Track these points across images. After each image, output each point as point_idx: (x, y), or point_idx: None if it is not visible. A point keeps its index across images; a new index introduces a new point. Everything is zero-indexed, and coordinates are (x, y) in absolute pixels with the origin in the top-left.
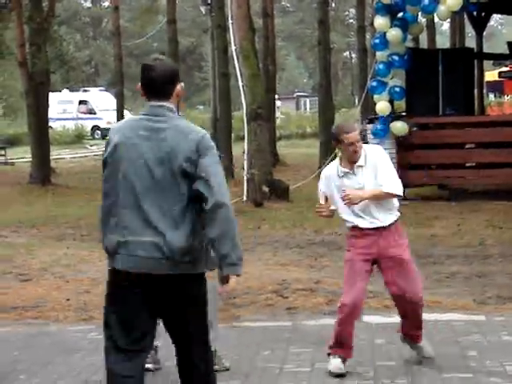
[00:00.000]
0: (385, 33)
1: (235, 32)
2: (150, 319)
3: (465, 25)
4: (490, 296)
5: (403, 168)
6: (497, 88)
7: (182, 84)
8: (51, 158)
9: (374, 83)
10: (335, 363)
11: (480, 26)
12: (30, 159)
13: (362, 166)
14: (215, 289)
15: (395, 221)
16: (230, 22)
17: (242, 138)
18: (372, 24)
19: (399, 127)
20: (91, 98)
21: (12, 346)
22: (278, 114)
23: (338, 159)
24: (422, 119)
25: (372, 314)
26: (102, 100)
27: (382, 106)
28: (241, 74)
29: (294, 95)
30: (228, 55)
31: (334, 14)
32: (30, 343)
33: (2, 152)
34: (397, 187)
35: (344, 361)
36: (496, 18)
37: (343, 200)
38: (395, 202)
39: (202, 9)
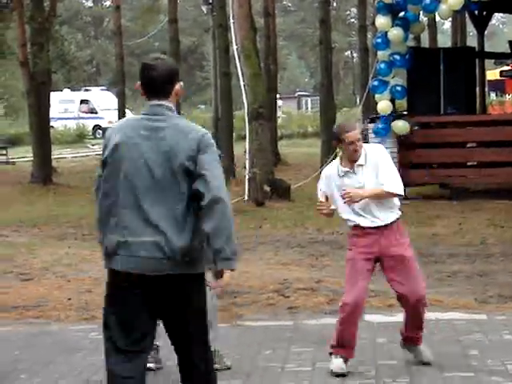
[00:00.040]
0: (386, 32)
1: (237, 31)
2: (150, 320)
3: (466, 24)
4: (492, 295)
5: (404, 167)
6: (498, 87)
7: (182, 83)
8: (52, 157)
9: (376, 82)
10: (337, 363)
11: (481, 24)
12: (32, 159)
13: (362, 165)
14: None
15: (396, 219)
16: (232, 21)
17: (244, 138)
18: (373, 23)
19: (400, 126)
20: (93, 97)
21: (13, 346)
22: (279, 113)
23: (338, 159)
24: (424, 118)
25: (374, 313)
26: (104, 99)
27: (384, 105)
28: (242, 74)
29: (296, 94)
30: (229, 55)
31: (335, 13)
32: (31, 342)
33: (4, 152)
34: (398, 186)
35: (346, 361)
36: (497, 17)
37: (343, 198)
38: (396, 201)
39: (204, 8)
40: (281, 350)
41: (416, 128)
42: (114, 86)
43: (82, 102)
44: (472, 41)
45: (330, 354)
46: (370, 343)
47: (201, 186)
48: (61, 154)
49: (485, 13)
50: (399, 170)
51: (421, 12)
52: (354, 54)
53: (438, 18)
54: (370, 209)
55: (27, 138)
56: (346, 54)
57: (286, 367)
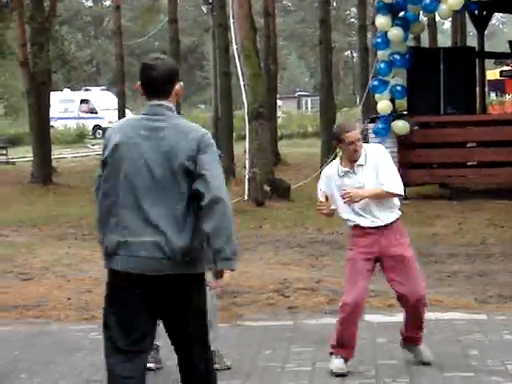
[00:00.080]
0: (386, 32)
1: (236, 31)
2: (150, 320)
3: (466, 24)
4: (492, 295)
5: (404, 167)
6: (498, 87)
7: (182, 83)
8: (52, 157)
9: (376, 82)
10: (337, 363)
11: (481, 24)
12: (32, 159)
13: (362, 165)
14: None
15: (396, 219)
16: (232, 21)
17: (244, 138)
18: (373, 23)
19: (400, 126)
20: (93, 97)
21: (13, 346)
22: (279, 113)
23: (338, 159)
24: (424, 118)
25: (374, 312)
26: (104, 99)
27: (384, 105)
28: (242, 74)
29: (296, 94)
30: (229, 54)
31: (335, 13)
32: (31, 342)
33: (4, 151)
34: (398, 186)
35: (346, 361)
36: (497, 17)
37: (343, 198)
38: (396, 201)
39: (204, 8)
40: (281, 349)
41: (416, 128)
42: (114, 85)
43: (82, 101)
44: (472, 41)
45: (331, 353)
46: (369, 343)
47: (201, 185)
48: (61, 154)
49: (485, 13)
50: (399, 170)
51: (421, 12)
52: (354, 54)
53: (437, 18)
54: (370, 209)
55: (27, 138)
56: (346, 53)
57: (285, 367)
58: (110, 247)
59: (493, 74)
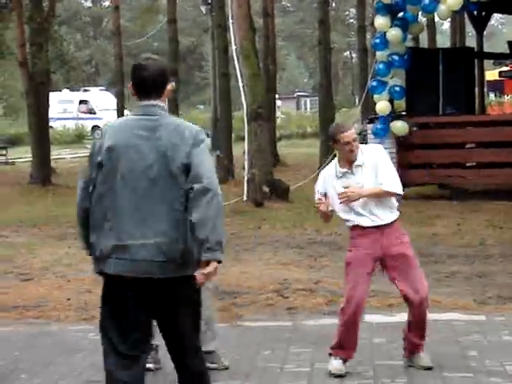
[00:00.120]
0: (385, 32)
1: (235, 32)
2: (146, 321)
3: (465, 24)
4: (491, 296)
5: (403, 168)
6: (497, 87)
7: (173, 83)
8: (51, 157)
9: (374, 83)
10: (336, 364)
11: (480, 25)
12: (30, 159)
13: (360, 166)
14: (210, 289)
15: (396, 219)
16: (231, 21)
17: (243, 138)
18: (372, 24)
19: (399, 127)
20: (91, 97)
21: (13, 346)
22: (278, 113)
23: (336, 159)
24: (423, 119)
25: (373, 313)
26: (103, 100)
27: (382, 106)
28: (241, 74)
29: (295, 95)
30: (228, 55)
31: (334, 13)
32: (31, 343)
33: (3, 152)
34: (397, 186)
35: (345, 362)
36: (496, 18)
37: (340, 198)
38: (394, 201)
39: (203, 8)
40: (280, 350)
41: (415, 128)
42: (113, 86)
43: (81, 102)
44: (471, 41)
45: (330, 354)
46: (368, 343)
47: (190, 177)
48: (60, 155)
49: (484, 13)
50: (398, 171)
51: (420, 12)
52: (353, 55)
53: (436, 19)
54: (370, 208)
55: (27, 138)
56: (345, 54)
57: (284, 368)
58: (104, 251)
59: (492, 74)
